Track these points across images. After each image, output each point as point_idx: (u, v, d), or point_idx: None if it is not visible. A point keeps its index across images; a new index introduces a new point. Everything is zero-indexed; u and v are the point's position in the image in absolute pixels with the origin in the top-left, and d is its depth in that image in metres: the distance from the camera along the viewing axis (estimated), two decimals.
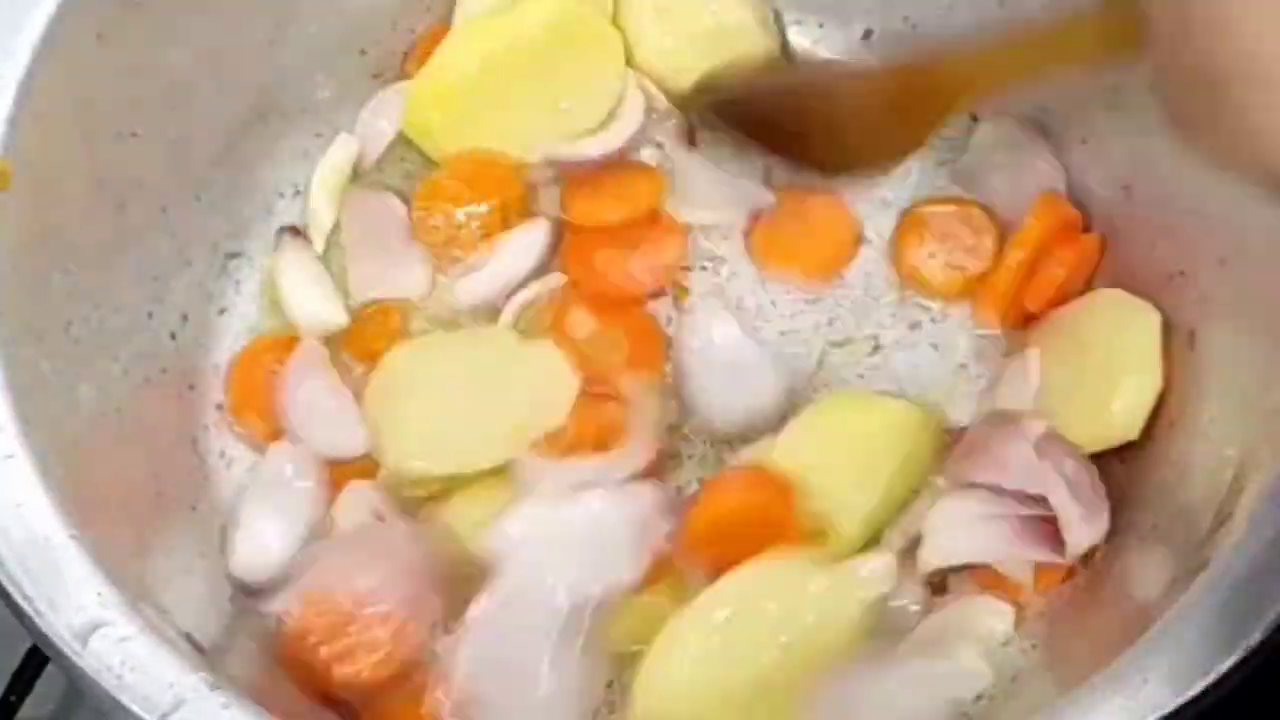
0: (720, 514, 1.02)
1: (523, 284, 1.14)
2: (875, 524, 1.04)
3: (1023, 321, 1.12)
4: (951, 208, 1.17)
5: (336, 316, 1.15)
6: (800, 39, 1.24)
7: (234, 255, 1.18)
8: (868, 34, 1.23)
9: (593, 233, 1.15)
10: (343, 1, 1.18)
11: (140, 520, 1.00)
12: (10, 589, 0.85)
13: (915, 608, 1.03)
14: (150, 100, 1.07)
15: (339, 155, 1.19)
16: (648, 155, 1.18)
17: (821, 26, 1.24)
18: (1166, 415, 1.05)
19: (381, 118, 1.20)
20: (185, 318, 1.12)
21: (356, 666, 0.98)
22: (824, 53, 1.24)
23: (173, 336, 1.11)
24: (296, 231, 1.18)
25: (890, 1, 1.20)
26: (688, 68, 1.15)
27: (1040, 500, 1.00)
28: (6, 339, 0.93)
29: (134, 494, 1.02)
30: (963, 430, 1.08)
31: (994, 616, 1.03)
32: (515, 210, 1.15)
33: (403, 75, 1.22)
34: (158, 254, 1.10)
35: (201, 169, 1.13)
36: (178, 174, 1.11)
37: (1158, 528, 1.00)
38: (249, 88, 1.15)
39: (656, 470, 1.05)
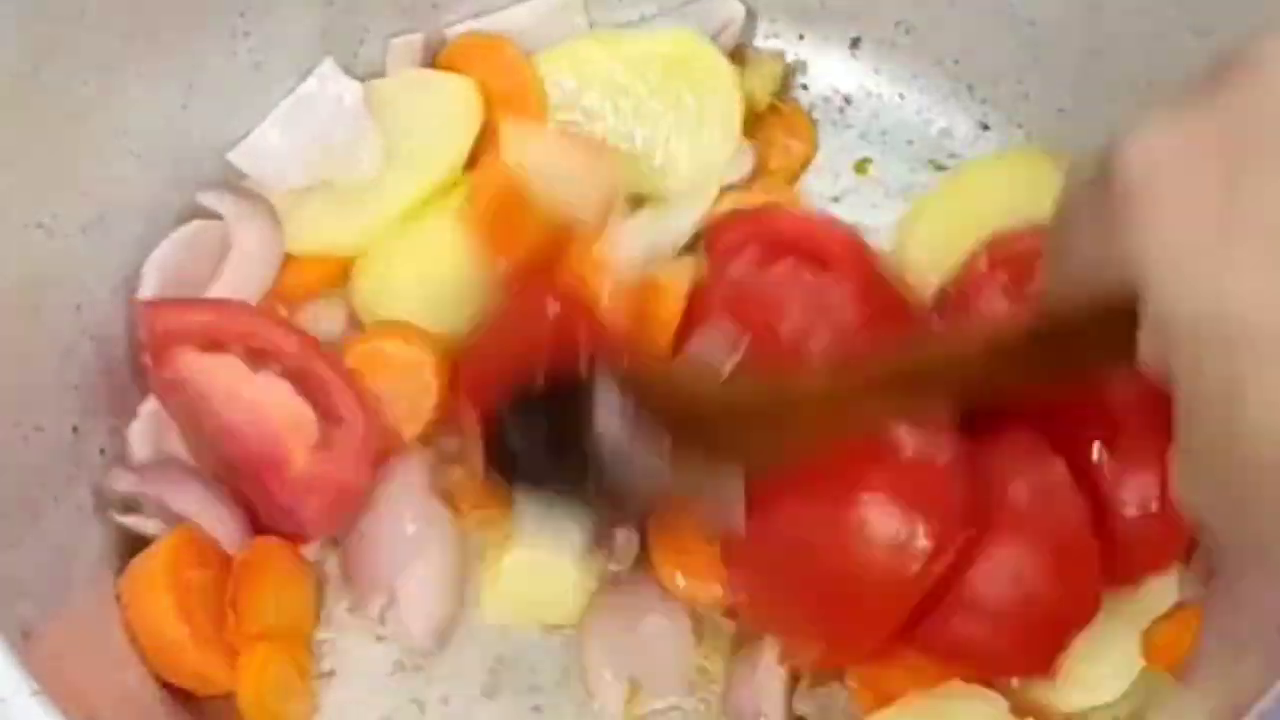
0: None
1: None
2: None
3: None
4: None
5: None
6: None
7: None
8: (855, 43, 1.21)
9: None
10: (256, 52, 1.14)
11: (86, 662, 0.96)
12: None
13: None
14: (59, 184, 1.03)
15: None
16: None
17: (802, 38, 1.22)
18: None
19: None
20: (113, 431, 1.06)
21: None
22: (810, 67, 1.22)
23: (102, 453, 1.06)
24: None
25: (878, 4, 1.19)
26: None
27: None
28: None
29: (75, 634, 0.96)
30: None
31: None
32: None
33: None
34: (76, 359, 1.05)
35: (118, 258, 1.08)
36: (93, 266, 1.06)
37: None
38: (161, 162, 1.11)
39: None
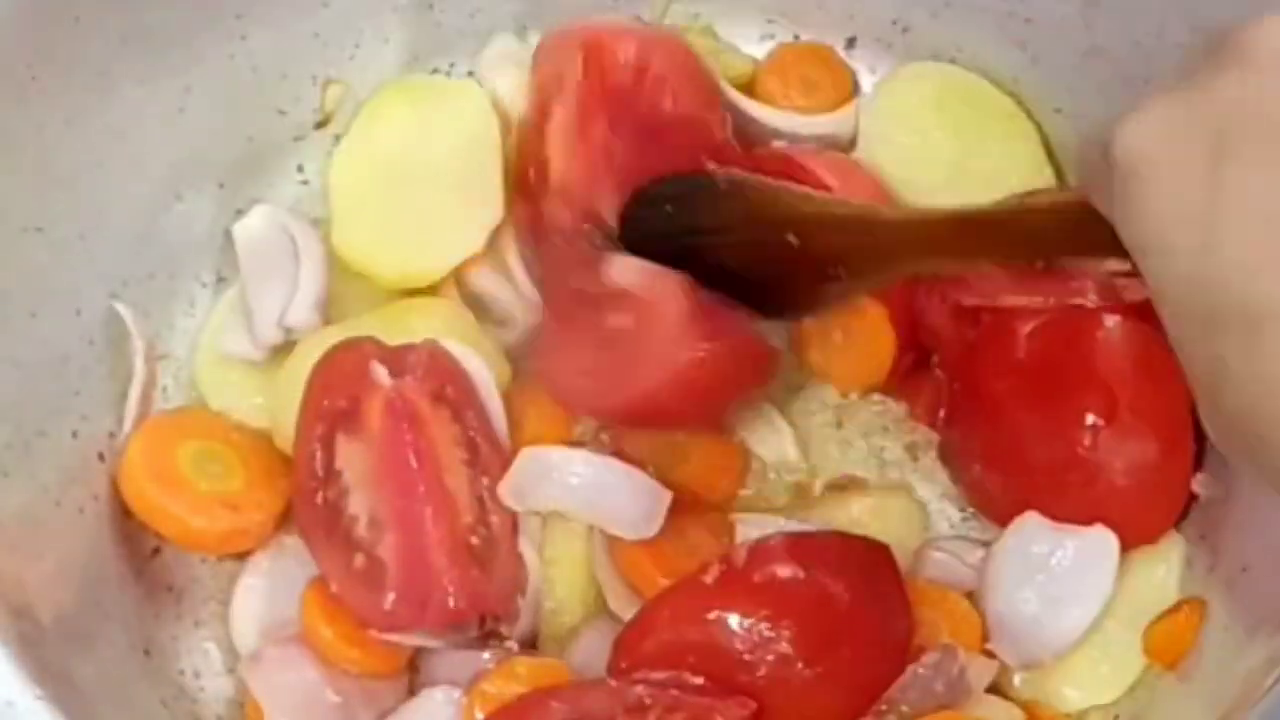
0: None
1: None
2: None
3: None
4: None
5: None
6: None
7: (158, 358, 1.12)
8: (851, 42, 1.21)
9: None
10: (254, 55, 1.14)
11: (89, 665, 0.95)
12: None
13: None
14: (56, 189, 1.03)
15: None
16: None
17: (797, 38, 1.22)
18: None
19: None
20: (113, 435, 1.07)
21: None
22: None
23: (101, 458, 1.05)
24: None
25: (875, 2, 1.19)
26: None
27: None
28: None
29: (77, 637, 0.96)
30: None
31: None
32: None
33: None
34: (76, 364, 1.05)
35: (115, 264, 1.09)
36: (90, 272, 1.07)
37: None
38: (158, 166, 1.11)
39: None
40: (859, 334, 1.10)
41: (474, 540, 1.00)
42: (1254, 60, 0.68)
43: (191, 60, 1.10)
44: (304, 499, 1.03)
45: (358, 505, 1.01)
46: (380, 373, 1.02)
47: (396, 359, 1.04)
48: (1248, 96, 0.68)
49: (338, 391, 1.03)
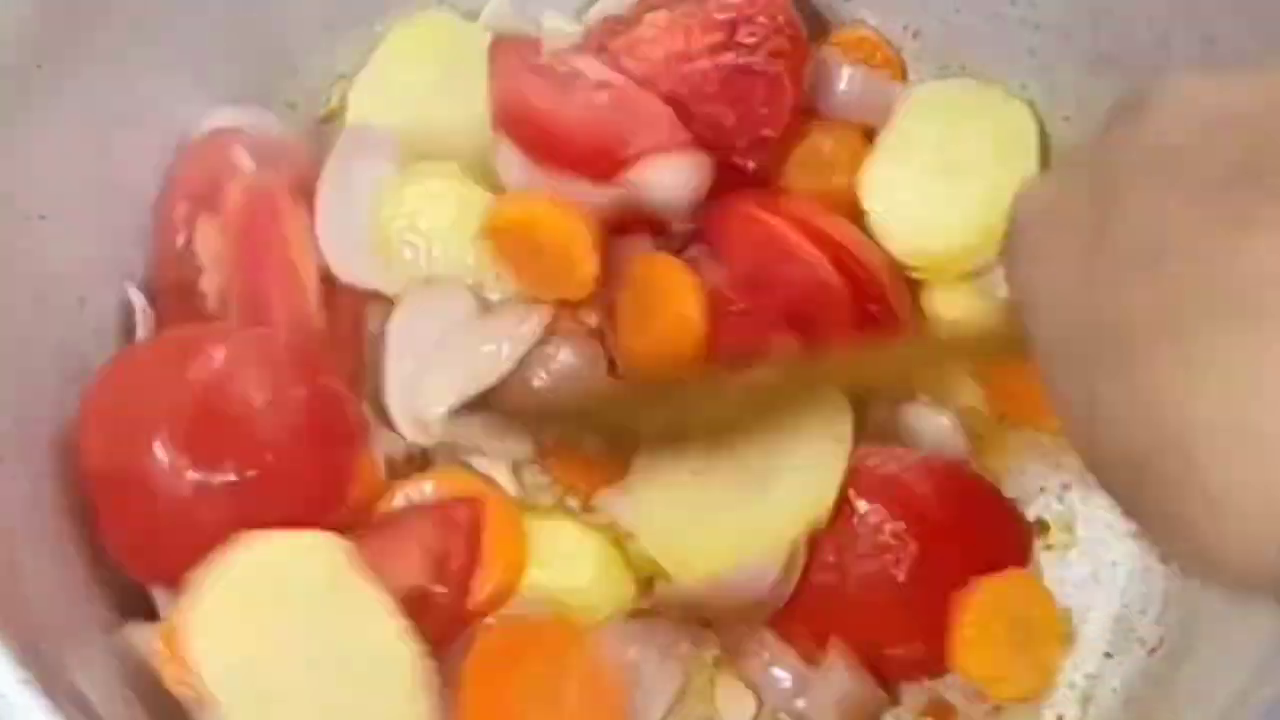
0: None
1: None
2: None
3: None
4: None
5: None
6: None
7: None
8: None
9: None
10: (263, 45, 1.15)
11: (83, 659, 0.94)
12: None
13: None
14: (62, 176, 1.02)
15: None
16: None
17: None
18: None
19: None
20: None
21: None
22: None
23: None
24: None
25: (887, 7, 1.19)
26: None
27: None
28: None
29: (72, 630, 0.96)
30: None
31: None
32: None
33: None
34: (80, 351, 1.04)
35: (122, 250, 1.09)
36: (96, 260, 1.07)
37: None
38: (166, 154, 1.11)
39: None
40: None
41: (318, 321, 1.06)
42: (1148, 105, 0.67)
43: (201, 48, 1.10)
44: (160, 274, 1.08)
45: (209, 284, 1.05)
46: (244, 158, 1.07)
47: (261, 147, 1.09)
48: (1135, 134, 0.67)
49: (202, 173, 1.08)
